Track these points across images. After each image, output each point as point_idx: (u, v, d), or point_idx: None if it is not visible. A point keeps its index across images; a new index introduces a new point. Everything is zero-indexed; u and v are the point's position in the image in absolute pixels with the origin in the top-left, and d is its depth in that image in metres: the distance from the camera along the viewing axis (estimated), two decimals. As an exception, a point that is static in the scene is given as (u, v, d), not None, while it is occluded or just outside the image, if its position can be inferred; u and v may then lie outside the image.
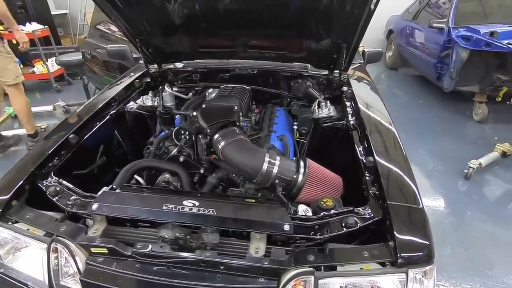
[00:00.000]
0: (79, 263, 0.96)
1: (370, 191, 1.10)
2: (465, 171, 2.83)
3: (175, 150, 1.45)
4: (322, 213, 1.02)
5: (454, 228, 2.32)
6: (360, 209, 1.02)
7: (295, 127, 1.75)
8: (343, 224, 0.98)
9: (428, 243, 0.91)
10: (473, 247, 2.13)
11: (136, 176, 1.39)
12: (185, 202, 1.03)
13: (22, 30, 4.59)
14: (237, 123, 1.39)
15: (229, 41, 1.79)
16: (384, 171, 1.14)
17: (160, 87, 1.78)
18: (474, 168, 2.79)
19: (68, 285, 0.99)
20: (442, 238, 2.17)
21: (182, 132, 1.44)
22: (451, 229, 2.31)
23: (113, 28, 3.67)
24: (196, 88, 1.92)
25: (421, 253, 0.89)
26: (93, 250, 0.97)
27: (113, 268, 0.93)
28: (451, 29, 3.91)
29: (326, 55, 1.74)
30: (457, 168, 2.94)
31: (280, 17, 1.52)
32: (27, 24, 4.77)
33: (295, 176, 1.18)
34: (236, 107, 1.38)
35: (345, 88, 1.78)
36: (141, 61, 2.10)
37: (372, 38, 4.14)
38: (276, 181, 1.18)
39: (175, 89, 1.82)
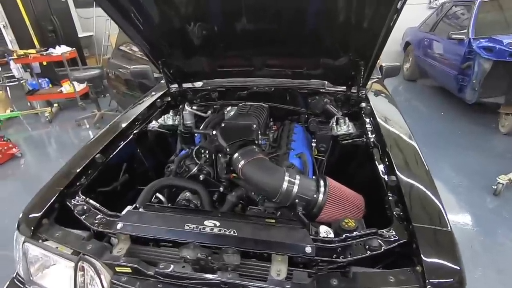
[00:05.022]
0: (104, 281, 0.99)
1: (394, 212, 1.07)
2: (493, 187, 2.70)
3: (195, 168, 1.48)
4: (344, 235, 0.99)
5: (484, 248, 2.20)
6: (384, 231, 0.99)
7: (313, 144, 1.74)
8: (367, 246, 0.95)
9: (459, 268, 0.86)
10: (506, 269, 2.01)
11: (157, 194, 1.42)
12: (206, 222, 1.04)
13: (52, 53, 4.93)
14: (256, 142, 1.40)
15: (246, 61, 1.83)
16: (408, 190, 1.11)
17: (181, 106, 1.84)
18: (503, 184, 2.65)
19: (93, 304, 1.01)
20: (472, 259, 2.06)
21: (202, 151, 1.47)
22: (481, 249, 2.19)
23: (134, 48, 3.86)
24: (214, 106, 1.97)
25: (452, 280, 0.85)
26: (117, 269, 0.99)
27: (136, 288, 0.95)
28: (472, 40, 3.82)
29: (343, 72, 1.74)
30: (484, 184, 2.80)
31: (297, 35, 1.54)
32: (57, 47, 5.08)
33: (315, 196, 1.17)
34: (254, 126, 1.40)
35: (363, 104, 1.76)
36: (162, 81, 2.19)
37: (389, 50, 4.12)
38: (296, 200, 1.17)
39: (194, 107, 1.87)
